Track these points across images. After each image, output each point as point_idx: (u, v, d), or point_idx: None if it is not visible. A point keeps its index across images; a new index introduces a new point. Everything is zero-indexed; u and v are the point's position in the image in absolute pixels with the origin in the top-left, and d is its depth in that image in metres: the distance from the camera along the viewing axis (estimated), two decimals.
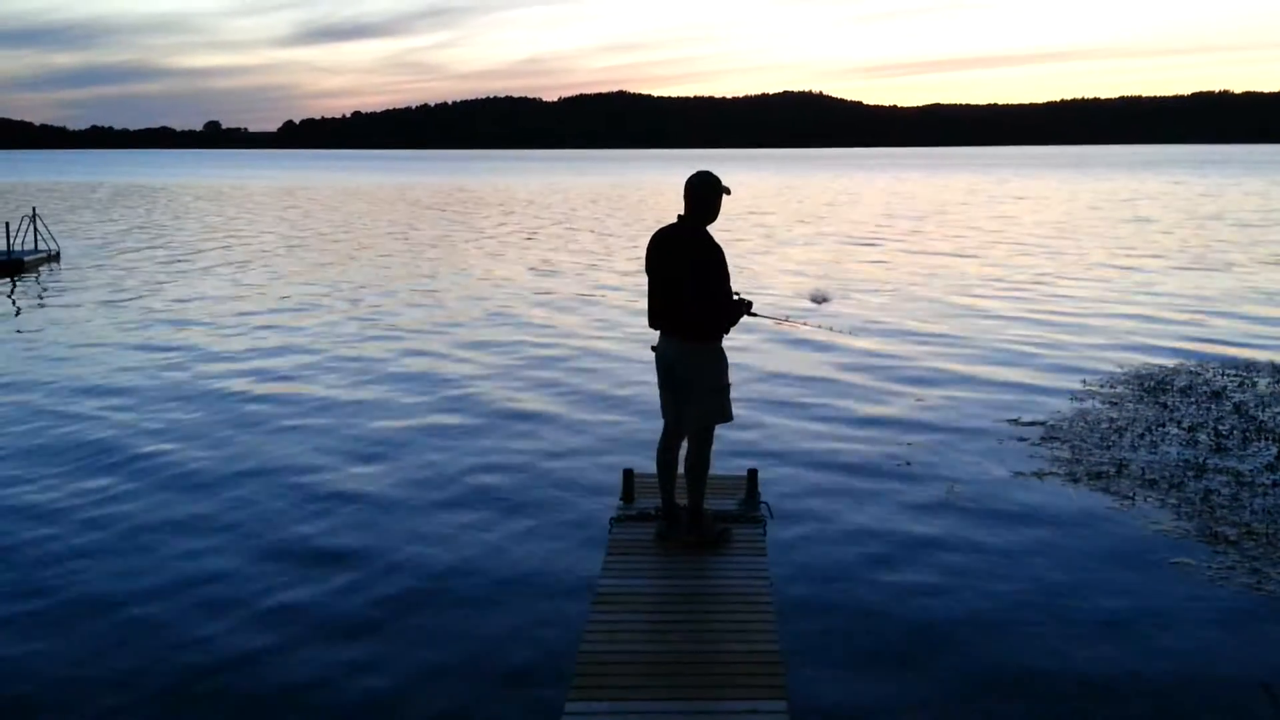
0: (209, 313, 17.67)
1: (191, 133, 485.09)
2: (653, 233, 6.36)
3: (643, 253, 6.35)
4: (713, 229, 6.19)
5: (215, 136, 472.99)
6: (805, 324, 6.89)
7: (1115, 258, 25.65)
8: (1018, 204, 50.03)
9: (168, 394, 11.89)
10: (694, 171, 6.23)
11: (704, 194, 6.11)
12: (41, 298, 19.80)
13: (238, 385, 12.31)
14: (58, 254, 26.26)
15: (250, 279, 22.32)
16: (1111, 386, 11.93)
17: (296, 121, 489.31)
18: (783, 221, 38.69)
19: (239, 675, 5.62)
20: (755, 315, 6.46)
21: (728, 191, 6.24)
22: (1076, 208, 46.46)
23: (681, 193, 6.17)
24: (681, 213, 6.20)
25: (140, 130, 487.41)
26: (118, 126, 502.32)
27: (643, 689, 4.75)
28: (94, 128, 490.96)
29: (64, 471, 9.08)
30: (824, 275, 21.93)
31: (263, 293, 20.12)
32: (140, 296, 19.63)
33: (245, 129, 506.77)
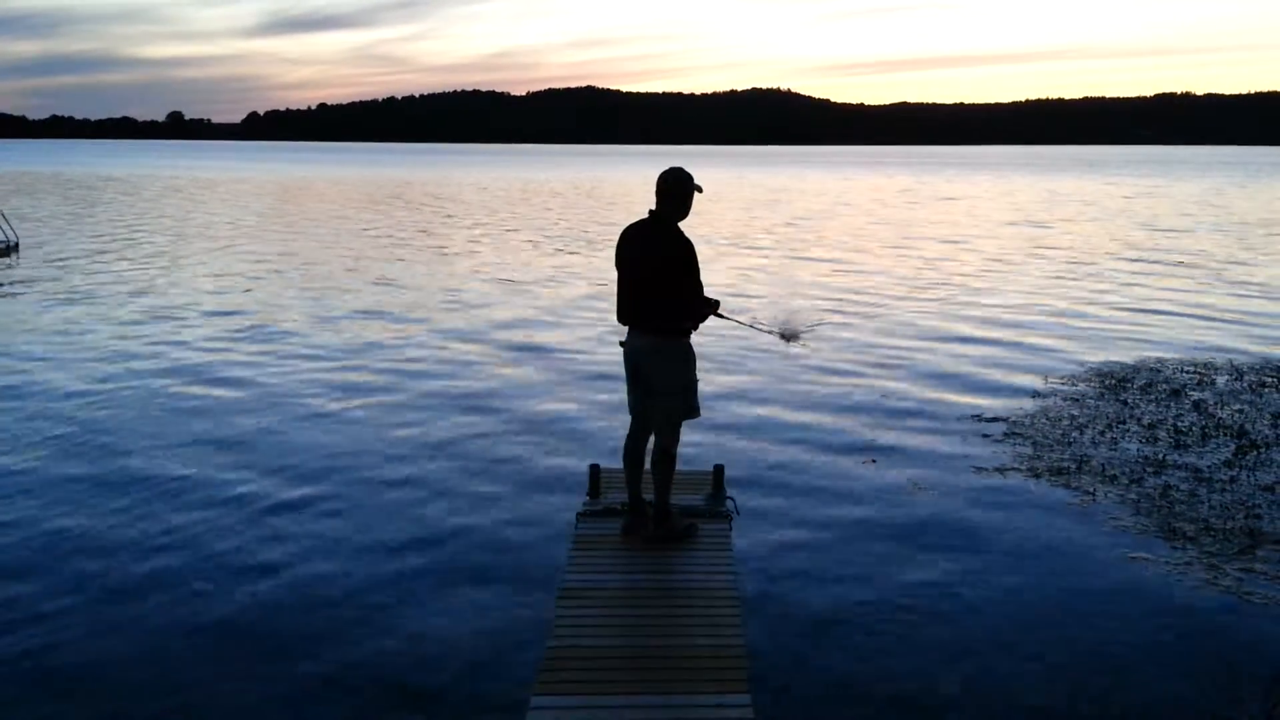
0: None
1: (154, 123, 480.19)
2: (622, 229, 6.36)
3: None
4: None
5: (178, 128, 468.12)
6: (770, 331, 7.02)
7: (1032, 256, 25.95)
8: (947, 204, 50.35)
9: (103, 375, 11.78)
10: (666, 168, 6.23)
11: (676, 190, 6.12)
12: None
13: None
14: (16, 244, 25.86)
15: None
16: (1073, 384, 12.07)
17: (261, 113, 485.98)
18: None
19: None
20: (721, 316, 6.46)
21: (699, 189, 6.27)
22: (998, 206, 46.86)
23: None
24: (652, 208, 6.20)
25: (101, 120, 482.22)
26: (79, 116, 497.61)
27: (609, 683, 4.77)
28: (54, 117, 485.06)
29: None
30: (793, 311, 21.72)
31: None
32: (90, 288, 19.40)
33: (208, 120, 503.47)
